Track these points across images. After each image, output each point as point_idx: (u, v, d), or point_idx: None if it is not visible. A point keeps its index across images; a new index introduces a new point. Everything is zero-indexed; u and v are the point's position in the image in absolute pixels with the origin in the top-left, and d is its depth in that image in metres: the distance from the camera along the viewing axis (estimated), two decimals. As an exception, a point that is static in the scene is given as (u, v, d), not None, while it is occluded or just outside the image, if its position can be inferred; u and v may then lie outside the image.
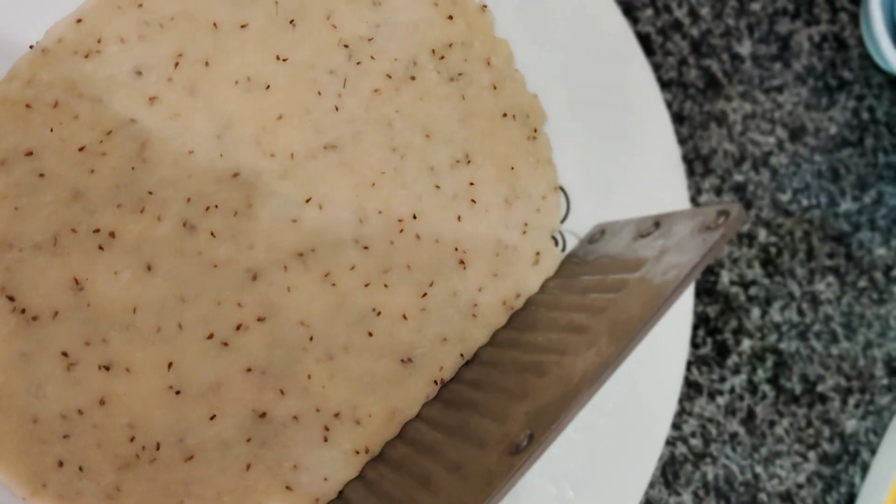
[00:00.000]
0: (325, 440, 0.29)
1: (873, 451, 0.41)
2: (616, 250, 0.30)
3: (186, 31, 0.30)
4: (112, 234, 0.28)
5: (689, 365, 0.39)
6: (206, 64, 0.30)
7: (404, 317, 0.31)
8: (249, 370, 0.29)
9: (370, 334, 0.30)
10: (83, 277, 0.28)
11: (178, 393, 0.28)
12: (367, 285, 0.30)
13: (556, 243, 0.34)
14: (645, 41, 0.40)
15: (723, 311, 0.40)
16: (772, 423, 0.40)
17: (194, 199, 0.29)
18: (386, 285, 0.31)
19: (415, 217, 0.31)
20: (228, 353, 0.29)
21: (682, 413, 0.39)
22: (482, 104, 0.33)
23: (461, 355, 0.31)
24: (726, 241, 0.24)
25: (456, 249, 0.32)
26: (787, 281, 0.41)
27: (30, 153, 0.28)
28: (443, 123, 0.32)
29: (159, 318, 0.28)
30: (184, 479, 0.28)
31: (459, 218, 0.32)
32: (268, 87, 0.30)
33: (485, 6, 0.34)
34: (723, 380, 0.40)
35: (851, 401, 0.41)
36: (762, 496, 0.40)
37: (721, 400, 0.40)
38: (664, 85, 0.40)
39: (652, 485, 0.38)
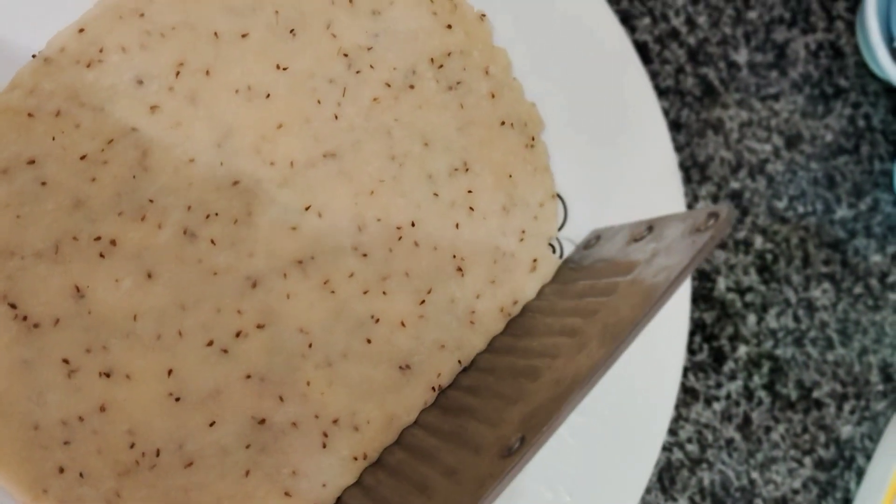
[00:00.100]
0: (324, 446, 0.29)
1: (869, 457, 0.41)
2: (610, 254, 0.31)
3: (187, 41, 0.30)
4: (113, 242, 0.28)
5: (686, 371, 0.40)
6: (207, 73, 0.30)
7: (402, 324, 0.31)
8: (249, 377, 0.29)
9: (369, 341, 0.30)
10: (84, 285, 0.28)
11: (177, 400, 0.28)
12: (365, 292, 0.31)
13: (554, 250, 0.34)
14: (642, 49, 0.41)
15: (719, 318, 0.40)
16: (768, 429, 0.40)
17: (195, 207, 0.29)
18: (384, 292, 0.31)
19: (413, 225, 0.32)
20: (228, 360, 0.29)
21: (678, 419, 0.39)
22: (480, 112, 0.33)
23: (459, 362, 0.32)
24: (716, 243, 0.24)
25: (454, 257, 0.32)
26: (783, 287, 0.41)
27: (32, 162, 0.28)
28: (441, 132, 0.32)
29: (159, 326, 0.28)
30: (183, 485, 0.28)
31: (458, 225, 0.32)
32: (268, 95, 0.30)
33: (483, 15, 0.34)
34: (719, 386, 0.40)
35: (847, 407, 0.41)
36: (758, 502, 0.40)
37: (717, 406, 0.40)
38: (661, 93, 0.41)
39: (648, 490, 0.38)
